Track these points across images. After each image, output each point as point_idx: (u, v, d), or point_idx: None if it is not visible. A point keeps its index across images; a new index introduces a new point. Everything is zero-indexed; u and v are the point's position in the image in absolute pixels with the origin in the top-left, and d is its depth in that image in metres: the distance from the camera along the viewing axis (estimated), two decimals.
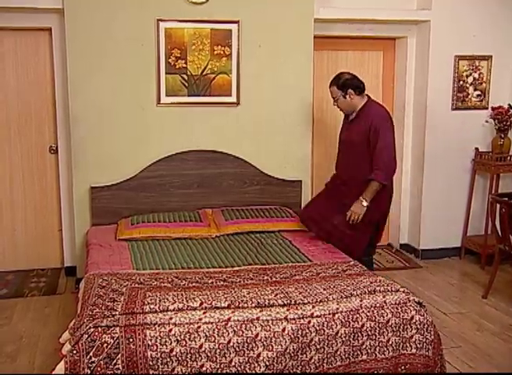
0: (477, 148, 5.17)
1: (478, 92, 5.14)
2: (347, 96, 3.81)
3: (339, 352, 2.72)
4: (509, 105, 5.00)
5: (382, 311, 2.81)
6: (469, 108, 5.14)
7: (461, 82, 5.09)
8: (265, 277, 3.20)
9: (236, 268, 3.43)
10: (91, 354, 2.48)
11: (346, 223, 3.82)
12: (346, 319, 2.75)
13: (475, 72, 5.10)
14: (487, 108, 5.14)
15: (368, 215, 3.78)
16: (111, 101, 4.38)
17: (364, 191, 3.72)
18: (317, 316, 2.71)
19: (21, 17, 4.36)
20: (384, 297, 2.88)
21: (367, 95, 3.90)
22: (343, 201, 3.85)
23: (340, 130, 4.14)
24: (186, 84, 4.49)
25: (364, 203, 3.70)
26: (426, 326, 2.84)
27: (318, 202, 4.10)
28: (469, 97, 5.13)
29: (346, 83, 3.81)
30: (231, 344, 2.58)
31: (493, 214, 4.34)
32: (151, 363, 2.51)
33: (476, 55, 5.07)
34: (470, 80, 5.10)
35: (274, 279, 3.17)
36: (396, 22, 5.01)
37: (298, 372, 2.68)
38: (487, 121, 5.10)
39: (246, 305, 2.75)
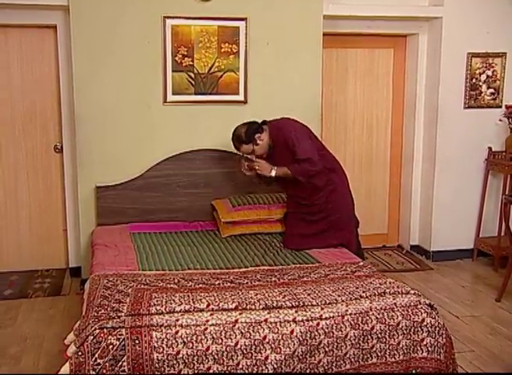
0: (490, 148, 5.10)
1: (492, 90, 5.07)
2: (258, 141, 3.82)
3: (348, 355, 2.70)
4: None
5: (392, 313, 2.78)
6: (482, 107, 5.08)
7: (474, 80, 5.03)
8: (273, 279, 3.17)
9: (244, 269, 3.40)
10: (97, 356, 2.47)
11: (329, 227, 3.83)
12: (355, 321, 2.72)
13: (489, 69, 5.04)
14: (501, 107, 5.08)
15: (343, 211, 3.87)
16: (116, 99, 4.35)
17: (282, 168, 3.77)
18: (326, 318, 2.69)
19: (26, 14, 4.34)
20: (394, 299, 2.85)
21: (264, 123, 3.87)
22: (309, 215, 3.88)
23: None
24: (193, 82, 4.45)
25: (273, 173, 3.77)
26: (438, 329, 2.80)
27: (292, 227, 3.99)
28: (482, 95, 5.07)
29: (249, 134, 3.80)
30: (238, 346, 2.56)
31: (507, 215, 4.29)
32: (157, 365, 2.50)
33: (490, 53, 5.01)
34: (483, 77, 5.04)
35: (282, 280, 3.15)
36: (407, 19, 4.97)
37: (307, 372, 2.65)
38: (501, 120, 5.03)
39: (253, 306, 2.72)
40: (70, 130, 4.53)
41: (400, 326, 2.76)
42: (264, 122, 3.89)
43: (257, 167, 3.84)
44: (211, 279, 3.15)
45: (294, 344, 2.60)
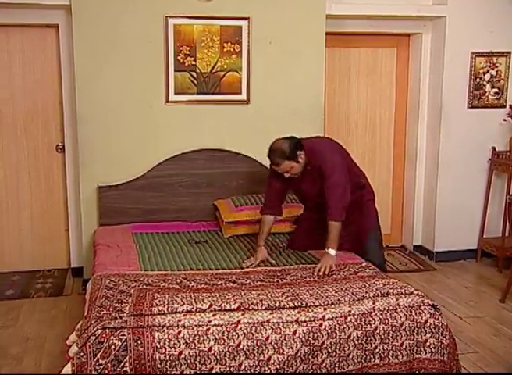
0: (494, 148, 5.07)
1: (496, 90, 5.05)
2: (299, 159, 3.42)
3: (351, 356, 2.69)
4: None
5: (396, 314, 2.77)
6: (486, 107, 5.05)
7: (478, 79, 5.00)
8: (276, 279, 3.16)
9: (246, 269, 3.38)
10: (99, 356, 2.47)
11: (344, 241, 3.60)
12: (358, 322, 2.71)
13: (493, 69, 5.01)
14: (505, 107, 5.05)
15: (367, 223, 3.68)
16: (118, 99, 4.34)
17: (327, 240, 3.36)
18: (328, 319, 2.68)
19: (28, 13, 4.33)
20: (397, 299, 2.84)
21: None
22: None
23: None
24: (196, 82, 4.43)
25: (333, 252, 3.32)
26: (441, 330, 2.79)
27: (303, 236, 3.82)
28: (486, 95, 5.04)
29: (294, 149, 3.40)
30: (241, 347, 2.55)
31: (511, 215, 4.24)
32: (159, 366, 2.49)
33: (493, 52, 4.98)
34: (487, 77, 5.01)
35: (284, 281, 3.13)
36: (410, 18, 4.94)
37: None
38: (505, 120, 4.99)
39: (256, 307, 2.71)
40: (72, 129, 4.51)
41: (404, 326, 2.74)
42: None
43: (325, 270, 3.29)
44: (213, 279, 3.14)
45: (297, 345, 2.59)
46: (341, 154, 3.59)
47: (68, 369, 2.47)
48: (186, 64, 4.40)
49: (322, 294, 2.86)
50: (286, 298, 2.81)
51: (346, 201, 3.43)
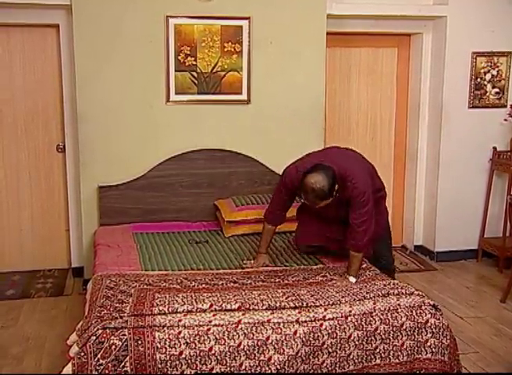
0: (495, 148, 5.06)
1: (497, 90, 5.04)
2: (334, 192, 3.16)
3: (351, 356, 2.69)
4: None
5: (396, 314, 2.77)
6: (487, 107, 5.04)
7: (479, 79, 5.00)
8: (277, 280, 3.16)
9: (247, 269, 3.38)
10: (99, 356, 2.47)
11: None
12: (359, 322, 2.71)
13: (493, 69, 5.00)
14: (506, 107, 5.04)
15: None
16: (119, 99, 4.34)
17: (348, 268, 3.21)
18: (329, 319, 2.68)
19: (28, 13, 4.32)
20: (398, 300, 2.84)
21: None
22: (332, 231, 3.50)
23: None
24: (196, 82, 4.43)
25: (353, 280, 3.14)
26: (442, 330, 2.79)
27: (310, 227, 3.67)
28: (487, 94, 5.03)
29: (331, 187, 3.12)
30: (241, 347, 2.55)
31: (511, 215, 4.24)
32: (159, 366, 2.49)
33: (494, 52, 4.98)
34: (488, 77, 5.00)
35: (286, 281, 3.13)
36: (411, 17, 4.93)
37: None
38: (506, 119, 4.99)
39: (256, 307, 2.71)
40: (72, 129, 4.51)
41: (404, 327, 2.75)
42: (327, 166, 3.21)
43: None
44: (214, 279, 3.14)
45: (297, 345, 2.59)
46: (367, 173, 3.36)
47: (68, 369, 2.48)
48: (187, 64, 4.40)
49: (323, 295, 2.86)
50: (286, 298, 2.81)
51: (371, 233, 3.23)
